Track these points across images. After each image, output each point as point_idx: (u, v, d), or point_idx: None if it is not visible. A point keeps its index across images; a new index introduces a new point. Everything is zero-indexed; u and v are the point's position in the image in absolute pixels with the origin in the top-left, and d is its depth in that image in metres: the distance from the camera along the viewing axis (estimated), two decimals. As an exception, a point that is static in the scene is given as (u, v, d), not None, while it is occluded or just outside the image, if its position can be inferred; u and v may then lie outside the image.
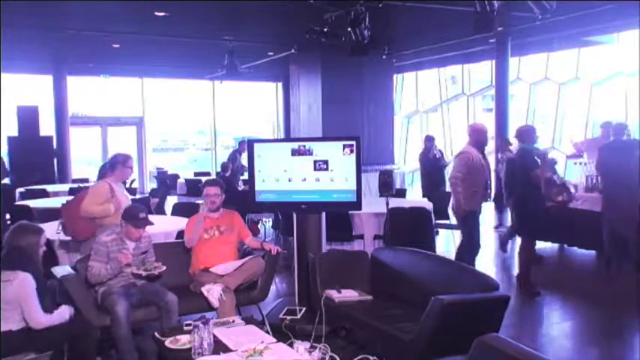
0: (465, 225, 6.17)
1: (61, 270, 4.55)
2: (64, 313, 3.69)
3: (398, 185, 11.26)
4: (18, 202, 9.07)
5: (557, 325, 5.53)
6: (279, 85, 18.53)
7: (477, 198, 6.03)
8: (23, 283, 3.48)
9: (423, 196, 10.75)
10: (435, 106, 17.81)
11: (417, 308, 3.79)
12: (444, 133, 17.02)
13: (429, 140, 11.09)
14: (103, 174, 5.64)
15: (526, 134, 6.44)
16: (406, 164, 17.62)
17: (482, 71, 16.03)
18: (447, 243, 9.06)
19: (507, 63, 12.51)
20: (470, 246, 6.13)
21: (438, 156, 10.81)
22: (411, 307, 4.10)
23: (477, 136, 6.17)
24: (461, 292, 3.83)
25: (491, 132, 14.28)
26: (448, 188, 9.97)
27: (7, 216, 8.30)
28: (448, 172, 11.40)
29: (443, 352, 3.70)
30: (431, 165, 10.88)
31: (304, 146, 5.29)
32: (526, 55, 14.25)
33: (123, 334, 4.15)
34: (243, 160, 11.24)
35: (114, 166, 5.35)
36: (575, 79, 13.81)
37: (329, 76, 11.88)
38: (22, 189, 10.35)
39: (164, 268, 4.53)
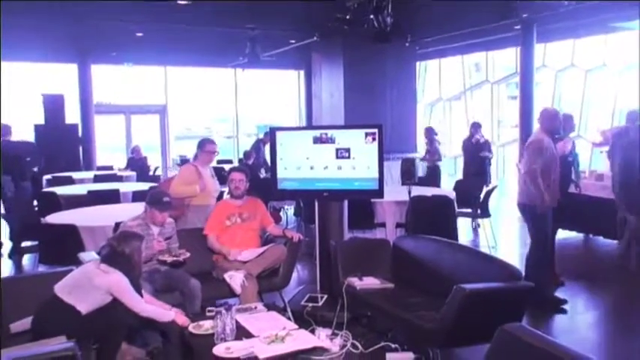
0: (540, 223, 5.48)
1: (87, 256, 4.62)
2: (169, 315, 3.76)
3: (420, 173, 11.19)
4: (45, 189, 9.23)
5: (581, 315, 5.48)
6: (301, 72, 18.49)
7: (554, 192, 5.45)
8: (118, 280, 3.63)
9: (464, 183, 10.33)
10: (459, 93, 17.65)
11: (439, 297, 3.78)
12: (467, 121, 16.86)
13: (474, 127, 10.66)
14: (194, 158, 6.02)
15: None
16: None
17: (507, 58, 15.82)
18: (467, 232, 9.01)
19: (532, 50, 12.30)
20: (545, 246, 5.59)
21: (481, 141, 10.42)
22: (432, 296, 4.09)
23: (550, 122, 5.51)
24: (484, 281, 3.81)
25: (514, 120, 14.14)
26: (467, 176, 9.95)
27: (35, 202, 8.44)
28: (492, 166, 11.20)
29: (465, 341, 3.71)
30: (471, 152, 10.51)
31: (326, 134, 5.29)
32: (552, 41, 14.00)
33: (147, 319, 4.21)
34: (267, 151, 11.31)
35: (198, 151, 5.74)
36: (602, 66, 13.56)
37: (351, 63, 11.83)
38: (48, 176, 10.53)
39: (188, 255, 4.59)
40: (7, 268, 6.95)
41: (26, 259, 7.30)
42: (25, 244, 6.63)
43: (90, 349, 3.59)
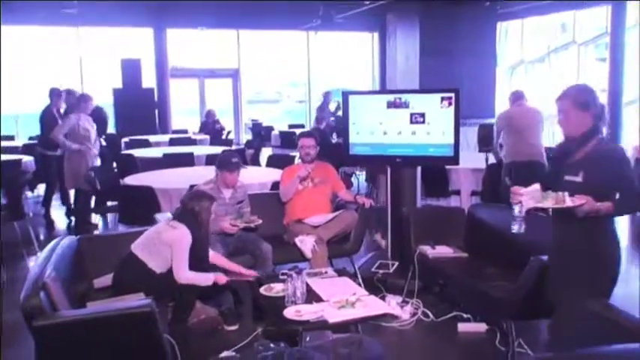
0: None
1: (162, 217, 4.81)
2: (208, 278, 3.88)
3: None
4: (123, 152, 9.62)
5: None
6: (375, 35, 18.21)
7: None
8: (181, 235, 3.78)
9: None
10: (542, 56, 16.92)
11: (515, 268, 3.71)
12: (552, 84, 16.19)
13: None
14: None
15: None
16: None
17: (596, 17, 14.99)
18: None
19: (625, 7, 11.60)
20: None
21: None
22: (508, 267, 4.02)
23: None
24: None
25: (602, 84, 13.46)
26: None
27: (114, 164, 8.82)
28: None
29: (540, 314, 3.64)
30: None
31: (400, 98, 5.23)
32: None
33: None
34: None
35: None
36: None
37: (428, 25, 11.48)
38: (126, 139, 10.94)
39: (260, 221, 4.68)
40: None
41: (105, 220, 7.69)
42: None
43: (166, 307, 3.77)
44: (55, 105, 7.98)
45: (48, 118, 7.84)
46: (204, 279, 3.86)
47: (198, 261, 3.89)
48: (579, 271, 2.88)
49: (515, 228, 2.98)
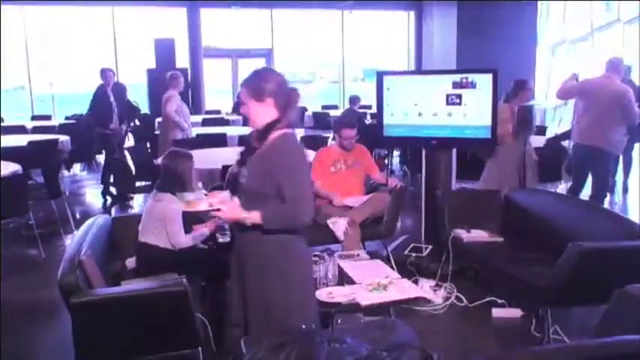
0: None
1: (190, 195, 4.87)
2: (201, 230, 3.97)
3: (538, 122, 10.71)
4: (157, 132, 9.75)
5: None
6: (411, 14, 17.97)
7: None
8: (171, 204, 3.80)
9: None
10: (585, 34, 16.50)
11: (552, 253, 3.67)
12: (594, 64, 15.80)
13: (619, 70, 9.64)
14: (505, 100, 5.91)
15: None
16: (548, 99, 16.66)
17: (642, -5, 14.53)
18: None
19: (674, -16, 11.23)
20: None
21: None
22: (545, 252, 3.97)
23: None
24: (600, 238, 3.65)
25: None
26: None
27: (147, 144, 8.95)
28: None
29: (577, 301, 3.60)
30: None
31: (466, 78, 5.08)
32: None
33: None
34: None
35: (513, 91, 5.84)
36: None
37: (466, 3, 11.38)
38: (159, 119, 11.06)
39: None
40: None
41: (139, 199, 7.83)
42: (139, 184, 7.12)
43: (199, 286, 3.83)
44: (108, 84, 8.19)
45: (101, 98, 8.04)
46: (199, 235, 3.94)
47: (190, 223, 3.95)
48: None
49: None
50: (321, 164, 5.20)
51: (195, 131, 8.89)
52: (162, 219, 3.80)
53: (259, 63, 17.77)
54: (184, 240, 3.85)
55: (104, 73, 8.21)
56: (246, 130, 8.74)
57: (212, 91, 16.35)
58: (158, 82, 13.55)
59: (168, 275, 3.62)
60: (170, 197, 3.82)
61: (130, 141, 10.20)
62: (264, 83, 2.65)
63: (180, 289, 2.89)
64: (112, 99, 8.01)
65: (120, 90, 8.62)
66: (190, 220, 3.97)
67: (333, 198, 5.02)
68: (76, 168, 9.13)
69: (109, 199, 7.90)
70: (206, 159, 6.31)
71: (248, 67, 17.91)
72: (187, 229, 3.91)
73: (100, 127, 8.23)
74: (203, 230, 3.97)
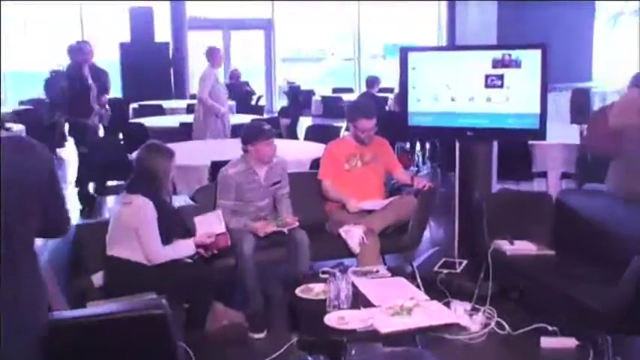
0: None
1: (179, 200, 4.89)
2: (187, 247, 3.97)
3: (596, 108, 10.67)
4: (132, 120, 9.78)
5: None
6: (443, -23, 18.01)
7: None
8: (142, 208, 3.80)
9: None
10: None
11: (614, 269, 3.64)
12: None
13: None
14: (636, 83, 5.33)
15: None
16: (609, 82, 16.62)
17: None
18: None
19: None
20: None
21: None
22: (605, 268, 3.95)
23: None
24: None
25: None
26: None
27: (120, 135, 8.97)
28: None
29: (646, 328, 3.57)
30: None
31: (509, 55, 5.03)
32: None
33: (249, 277, 4.42)
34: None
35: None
36: None
37: (508, -36, 11.35)
38: (135, 104, 11.10)
39: (297, 224, 4.65)
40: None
41: (111, 202, 7.84)
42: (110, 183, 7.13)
43: (181, 308, 3.82)
44: (86, 61, 8.08)
45: (76, 79, 7.98)
46: (184, 248, 3.94)
47: (169, 232, 3.95)
48: None
49: None
50: (332, 160, 5.20)
51: (178, 119, 8.92)
52: (132, 226, 3.80)
53: (257, 37, 17.80)
54: (164, 252, 3.85)
55: (80, 47, 8.13)
56: (240, 119, 8.77)
57: (199, 71, 16.37)
58: (133, 58, 13.64)
59: (144, 295, 3.62)
60: (142, 200, 3.82)
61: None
62: None
63: (158, 313, 2.87)
64: (90, 81, 7.94)
65: (99, 74, 8.60)
66: (170, 227, 3.97)
67: (347, 202, 5.01)
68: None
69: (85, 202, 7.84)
70: (192, 154, 6.33)
71: (243, 41, 17.99)
72: (167, 240, 3.92)
73: (74, 115, 8.22)
74: (188, 245, 3.97)
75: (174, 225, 4.05)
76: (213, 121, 7.88)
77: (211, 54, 8.11)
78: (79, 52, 8.06)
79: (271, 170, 4.81)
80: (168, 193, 4.14)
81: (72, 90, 8.00)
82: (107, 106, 8.75)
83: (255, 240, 4.52)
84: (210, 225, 4.17)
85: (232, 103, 11.70)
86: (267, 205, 4.85)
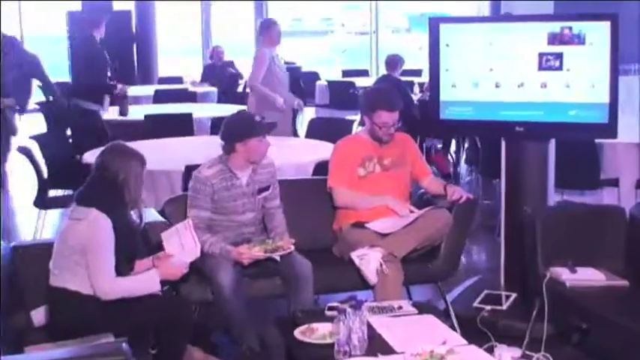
0: None
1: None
2: (150, 281, 3.95)
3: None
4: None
5: None
6: None
7: None
8: (96, 225, 3.79)
9: None
10: None
11: None
12: None
13: None
14: None
15: None
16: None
17: None
18: None
19: None
20: None
21: None
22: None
23: None
24: None
25: None
26: None
27: (68, 132, 8.99)
28: None
29: None
30: None
31: (570, 28, 5.06)
32: None
33: (233, 313, 4.44)
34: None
35: None
36: None
37: None
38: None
39: (292, 248, 4.64)
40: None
41: (57, 216, 7.85)
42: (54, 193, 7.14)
43: (147, 355, 3.83)
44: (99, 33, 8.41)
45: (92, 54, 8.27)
46: (146, 283, 3.92)
47: (130, 259, 3.97)
48: None
49: None
50: (343, 163, 5.19)
51: (143, 110, 8.92)
52: (82, 249, 3.80)
53: (244, 6, 17.82)
54: (119, 286, 3.84)
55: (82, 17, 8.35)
56: (223, 110, 8.80)
57: (170, 50, 16.43)
58: (85, 32, 13.66)
59: (99, 338, 3.63)
60: (97, 215, 3.80)
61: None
62: None
63: (118, 360, 2.89)
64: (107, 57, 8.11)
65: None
66: (132, 252, 3.97)
67: (384, 201, 5.04)
68: None
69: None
70: (161, 155, 6.33)
71: (227, 11, 18.03)
72: (124, 269, 3.92)
73: (82, 99, 8.38)
74: (151, 278, 3.95)
75: (136, 248, 4.05)
76: (272, 115, 7.79)
77: (265, 29, 8.08)
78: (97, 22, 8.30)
79: (255, 174, 4.80)
80: (139, 213, 4.12)
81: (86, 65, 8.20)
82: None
83: (237, 269, 4.52)
84: (182, 247, 4.15)
85: (213, 89, 11.77)
86: (253, 220, 4.84)
